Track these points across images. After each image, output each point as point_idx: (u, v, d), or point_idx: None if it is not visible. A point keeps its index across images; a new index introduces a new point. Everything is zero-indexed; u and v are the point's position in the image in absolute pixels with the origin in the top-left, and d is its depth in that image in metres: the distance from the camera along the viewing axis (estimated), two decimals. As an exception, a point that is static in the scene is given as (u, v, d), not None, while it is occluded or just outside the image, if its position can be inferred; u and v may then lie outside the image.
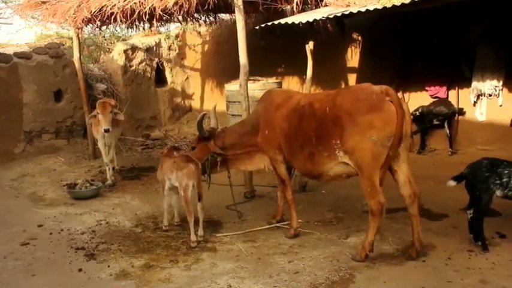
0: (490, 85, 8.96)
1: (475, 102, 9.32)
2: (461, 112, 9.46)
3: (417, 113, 9.38)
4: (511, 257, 4.81)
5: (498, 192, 4.96)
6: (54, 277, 4.84)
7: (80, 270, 4.95)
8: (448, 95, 9.64)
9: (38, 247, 5.62)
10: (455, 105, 9.45)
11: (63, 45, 11.02)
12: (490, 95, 9.09)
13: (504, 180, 4.90)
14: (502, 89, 9.00)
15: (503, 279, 4.39)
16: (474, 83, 9.15)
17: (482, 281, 4.37)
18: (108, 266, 5.02)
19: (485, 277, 4.43)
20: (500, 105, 9.11)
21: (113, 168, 8.46)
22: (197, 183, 5.52)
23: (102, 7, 7.76)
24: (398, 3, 6.80)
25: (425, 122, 9.51)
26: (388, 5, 6.89)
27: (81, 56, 9.94)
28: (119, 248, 5.50)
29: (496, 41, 8.72)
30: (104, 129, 7.63)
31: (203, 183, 5.81)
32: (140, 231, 6.05)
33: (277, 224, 6.03)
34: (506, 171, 4.90)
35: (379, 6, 6.84)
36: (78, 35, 9.59)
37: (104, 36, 12.52)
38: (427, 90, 9.75)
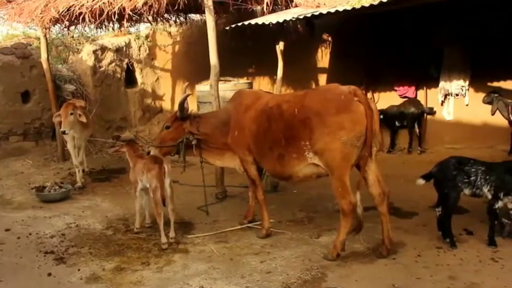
0: (456, 85, 9.13)
1: (442, 102, 9.48)
2: (431, 112, 9.61)
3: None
4: (478, 253, 4.90)
5: (466, 191, 5.06)
6: (22, 282, 4.75)
7: (49, 274, 4.87)
8: (416, 94, 9.78)
9: (5, 252, 5.51)
10: (424, 105, 9.61)
11: (31, 45, 10.81)
12: (457, 95, 9.26)
13: (472, 178, 5.00)
14: (468, 89, 9.19)
15: (471, 274, 4.47)
16: (442, 83, 9.30)
17: (451, 277, 4.43)
18: (78, 270, 4.96)
19: (453, 273, 4.51)
20: (467, 105, 9.30)
21: (83, 170, 8.36)
22: (161, 185, 5.47)
23: (70, 7, 7.66)
24: (367, 4, 6.88)
25: (394, 122, 9.63)
26: (357, 6, 6.96)
27: (49, 57, 9.80)
28: (89, 251, 5.43)
29: (462, 43, 8.88)
30: (61, 131, 7.63)
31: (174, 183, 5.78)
32: (111, 234, 5.99)
33: (249, 224, 6.04)
34: (473, 170, 5.00)
35: (348, 7, 6.91)
36: (45, 35, 9.45)
37: (72, 37, 12.30)
38: (396, 90, 9.86)
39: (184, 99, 5.95)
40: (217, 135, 5.85)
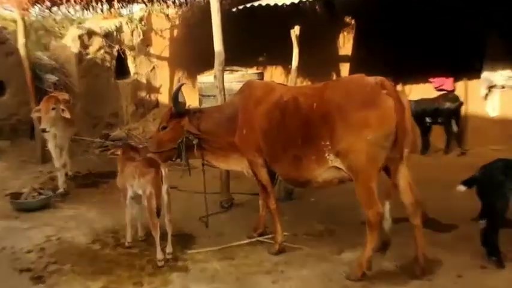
0: (503, 76, 9.09)
1: (486, 95, 9.43)
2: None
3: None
4: (529, 274, 4.85)
5: None
6: (-6, 305, 4.75)
7: (26, 296, 4.88)
8: (455, 87, 9.75)
9: (-24, 269, 5.52)
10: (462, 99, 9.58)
11: (6, 29, 10.85)
12: (503, 87, 9.21)
13: None
14: (517, 81, 9.15)
15: (521, 299, 4.43)
16: (485, 74, 9.31)
17: (497, 302, 4.40)
18: (60, 291, 4.95)
19: (500, 297, 4.47)
20: (515, 99, 9.27)
21: (66, 174, 8.36)
22: (157, 193, 5.44)
23: (52, -15, 7.67)
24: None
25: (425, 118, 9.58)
26: (386, -16, 6.94)
27: (28, 42, 9.81)
28: (72, 269, 5.41)
29: (508, 27, 8.82)
30: (41, 129, 7.67)
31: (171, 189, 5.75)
32: (98, 249, 5.98)
33: (259, 238, 6.03)
34: None
35: (375, -16, 6.87)
36: (23, 18, 9.48)
37: (54, 19, 12.38)
38: (431, 82, 9.84)
39: (178, 90, 5.90)
40: (222, 134, 5.81)
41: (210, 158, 6.07)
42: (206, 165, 6.14)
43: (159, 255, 5.41)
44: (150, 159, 5.70)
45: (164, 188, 5.53)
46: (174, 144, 5.88)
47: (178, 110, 5.89)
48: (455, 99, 9.45)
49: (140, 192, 5.57)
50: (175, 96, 5.87)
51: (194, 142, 5.83)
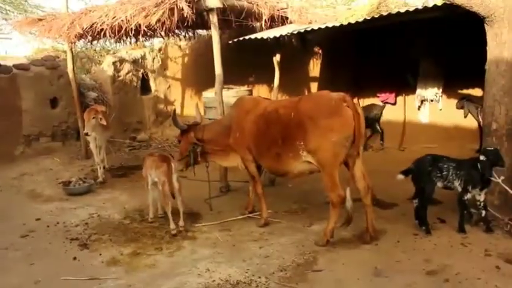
0: (432, 92, 9.13)
1: (419, 107, 9.47)
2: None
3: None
4: (449, 239, 4.92)
5: (439, 184, 5.08)
6: (51, 265, 4.76)
7: (75, 258, 4.90)
8: (396, 100, 9.77)
9: (36, 238, 5.53)
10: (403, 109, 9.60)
11: (58, 57, 10.79)
12: (432, 101, 9.26)
13: (444, 173, 5.03)
14: (441, 96, 9.17)
15: (444, 257, 4.49)
16: (418, 90, 9.30)
17: (426, 260, 4.46)
18: (100, 254, 4.98)
19: (428, 256, 4.53)
20: (440, 109, 9.29)
21: (104, 167, 8.33)
22: (169, 181, 5.48)
23: (93, 24, 7.64)
24: (353, 21, 6.90)
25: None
26: (344, 23, 7.00)
27: (75, 67, 9.75)
28: (109, 238, 5.44)
29: (435, 55, 8.88)
30: (85, 133, 7.76)
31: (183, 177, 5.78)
32: (128, 223, 5.99)
33: (249, 215, 6.04)
34: (445, 166, 5.03)
35: (337, 24, 6.94)
36: (71, 49, 9.44)
37: (95, 50, 12.32)
38: (378, 97, 9.85)
39: (174, 114, 6.07)
40: (221, 139, 5.83)
41: (214, 159, 6.10)
42: (208, 164, 6.19)
43: (172, 225, 5.47)
44: (164, 155, 5.74)
45: (174, 177, 5.56)
46: (187, 153, 5.94)
47: (180, 128, 6.02)
48: (379, 108, 9.46)
49: (156, 180, 5.61)
50: (173, 119, 6.00)
51: (198, 150, 5.90)
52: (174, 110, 6.22)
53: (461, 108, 8.70)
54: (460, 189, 5.01)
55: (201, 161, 6.06)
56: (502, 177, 4.85)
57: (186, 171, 6.16)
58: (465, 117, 8.66)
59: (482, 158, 4.82)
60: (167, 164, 5.51)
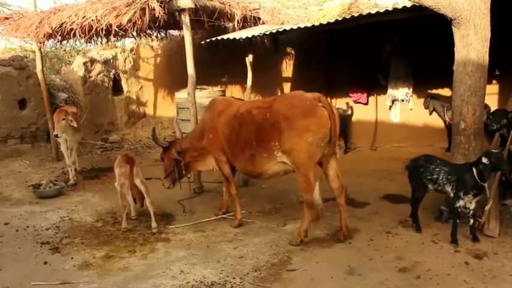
0: (402, 92, 9.26)
1: (390, 107, 9.60)
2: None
3: None
4: (421, 236, 5.01)
5: (430, 186, 5.02)
6: (21, 271, 4.65)
7: (45, 263, 4.80)
8: (368, 100, 9.88)
9: (5, 243, 5.39)
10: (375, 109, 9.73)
11: (27, 57, 10.54)
12: (403, 101, 9.40)
13: (434, 176, 4.93)
14: (412, 96, 9.33)
15: (415, 254, 4.58)
16: (389, 91, 9.42)
17: (398, 257, 4.54)
18: (72, 258, 4.90)
19: (400, 254, 4.61)
20: (411, 109, 9.46)
21: (75, 169, 8.18)
22: (130, 183, 5.47)
23: (63, 23, 7.51)
24: (324, 22, 6.97)
25: None
26: (316, 24, 7.06)
27: (44, 68, 9.56)
28: (81, 241, 5.36)
29: (404, 55, 9.03)
30: (55, 135, 7.58)
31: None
32: (101, 226, 5.91)
33: (223, 215, 6.02)
34: (437, 169, 4.92)
35: (309, 24, 7.00)
36: (40, 49, 9.23)
37: (64, 50, 12.08)
38: (350, 97, 9.94)
39: (153, 133, 6.01)
40: (196, 143, 5.79)
41: (194, 166, 6.04)
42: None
43: (124, 224, 5.54)
44: (129, 157, 5.71)
45: (138, 180, 5.54)
46: (171, 169, 5.90)
47: (161, 145, 6.02)
48: (345, 110, 9.56)
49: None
50: (153, 137, 5.97)
51: (182, 164, 5.86)
52: (154, 129, 6.16)
53: (427, 107, 8.91)
54: (452, 194, 4.81)
55: (185, 173, 6.04)
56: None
57: (172, 187, 6.10)
58: (430, 114, 8.88)
59: (485, 160, 4.55)
60: (130, 166, 5.48)
